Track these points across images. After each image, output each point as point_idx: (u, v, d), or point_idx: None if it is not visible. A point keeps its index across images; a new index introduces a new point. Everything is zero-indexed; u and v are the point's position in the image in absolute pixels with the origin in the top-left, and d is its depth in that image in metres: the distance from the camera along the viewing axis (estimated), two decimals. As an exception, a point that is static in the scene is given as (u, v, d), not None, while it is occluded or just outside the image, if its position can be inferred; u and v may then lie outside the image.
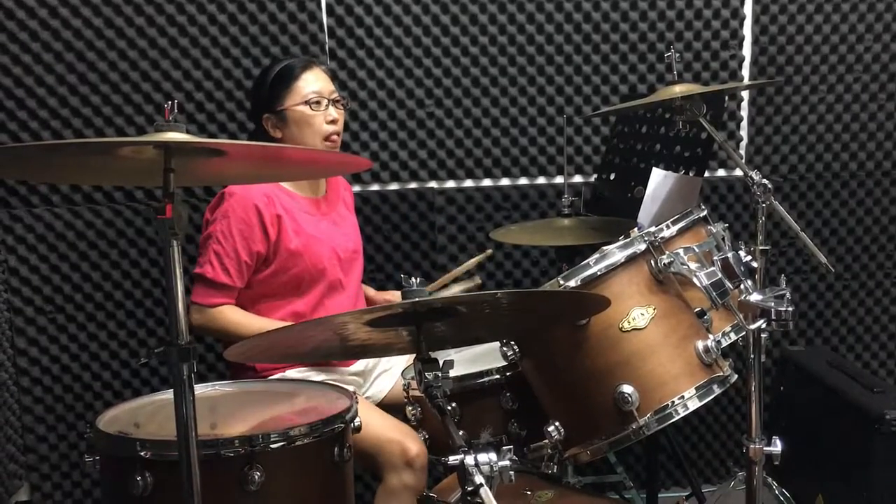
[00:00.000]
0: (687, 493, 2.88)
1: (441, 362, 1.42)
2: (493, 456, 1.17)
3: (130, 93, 2.75)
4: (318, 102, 2.26)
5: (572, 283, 1.70)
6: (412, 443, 2.04)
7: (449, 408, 2.02)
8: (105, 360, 2.85)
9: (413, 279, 1.45)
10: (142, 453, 1.56)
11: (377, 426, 2.07)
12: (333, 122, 2.28)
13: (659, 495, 2.87)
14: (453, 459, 1.17)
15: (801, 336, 3.20)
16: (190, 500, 1.35)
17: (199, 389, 1.99)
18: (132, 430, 1.72)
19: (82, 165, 1.41)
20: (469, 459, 1.16)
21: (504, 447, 1.20)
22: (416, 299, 1.40)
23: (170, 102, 1.32)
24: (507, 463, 1.17)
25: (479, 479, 1.14)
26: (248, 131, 2.75)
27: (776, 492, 2.29)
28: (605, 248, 1.74)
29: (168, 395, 1.96)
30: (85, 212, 2.79)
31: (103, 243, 2.80)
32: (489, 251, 2.73)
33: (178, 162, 1.34)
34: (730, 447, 3.23)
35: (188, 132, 1.32)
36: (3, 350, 2.74)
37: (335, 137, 2.30)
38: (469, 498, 1.14)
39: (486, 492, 1.11)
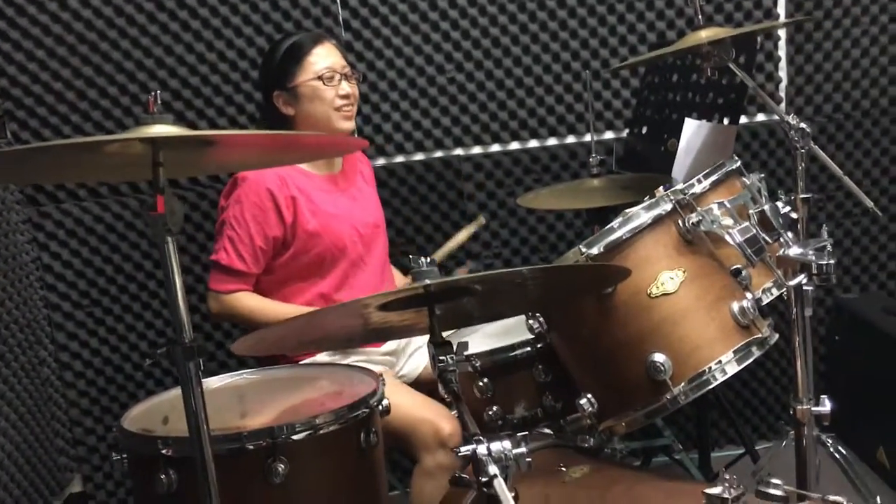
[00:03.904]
0: (740, 452, 2.79)
1: (455, 345, 1.36)
2: (506, 444, 1.10)
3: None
4: (330, 77, 2.20)
5: (595, 251, 1.61)
6: (445, 422, 2.00)
7: (481, 383, 1.99)
8: (144, 349, 2.86)
9: (422, 259, 1.38)
10: (164, 451, 1.55)
11: (408, 406, 2.02)
12: (346, 96, 2.22)
13: (712, 454, 2.79)
14: (465, 450, 1.11)
15: (855, 283, 3.06)
16: (207, 499, 1.32)
17: (227, 379, 1.98)
18: (159, 426, 1.70)
19: (76, 165, 1.38)
20: (481, 449, 1.10)
21: (520, 434, 1.13)
22: (426, 282, 1.33)
23: (153, 94, 1.26)
24: (522, 450, 1.11)
25: (492, 469, 1.08)
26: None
27: (831, 449, 2.19)
28: (628, 210, 1.65)
29: (203, 386, 1.95)
30: (112, 204, 2.78)
31: (133, 234, 2.79)
32: (481, 219, 2.66)
33: (168, 154, 1.29)
34: (785, 401, 3.12)
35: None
36: (44, 346, 2.77)
37: (347, 109, 2.24)
38: (484, 489, 1.08)
39: (500, 483, 1.05)
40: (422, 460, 2.02)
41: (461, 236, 2.64)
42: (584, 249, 1.62)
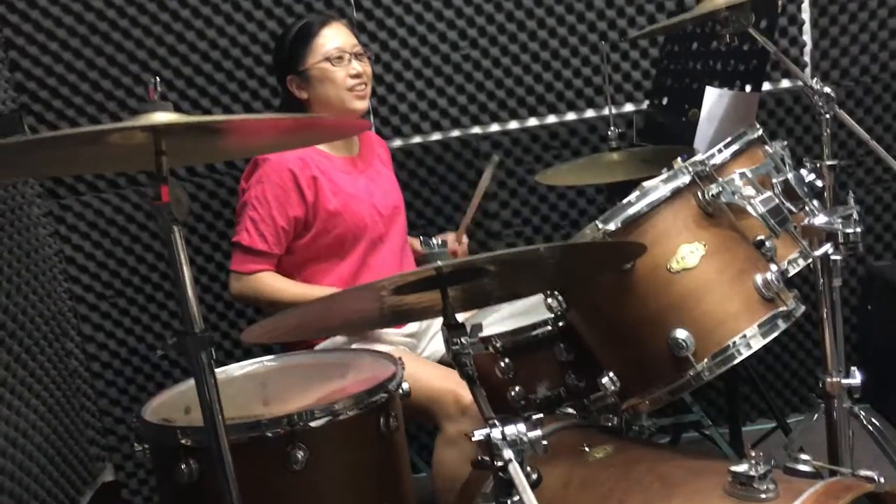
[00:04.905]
0: (772, 426, 2.74)
1: (469, 327, 1.33)
2: (521, 427, 1.08)
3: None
4: (339, 58, 2.19)
5: (612, 226, 1.57)
6: (465, 390, 1.97)
7: (503, 364, 1.96)
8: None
9: (433, 240, 1.36)
10: (183, 441, 1.54)
11: (429, 377, 2.02)
12: (357, 75, 2.20)
13: (743, 429, 2.75)
14: (479, 434, 1.09)
15: (886, 250, 2.98)
16: (226, 488, 1.32)
17: (247, 367, 1.98)
18: (180, 415, 1.70)
19: (81, 155, 1.36)
20: (496, 433, 1.07)
21: (533, 415, 1.11)
22: (438, 263, 1.31)
23: (153, 81, 1.24)
24: (538, 433, 1.08)
25: (507, 453, 1.05)
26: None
27: (864, 421, 2.14)
28: (645, 183, 1.61)
29: (222, 374, 1.95)
30: (131, 194, 2.79)
31: (153, 224, 2.80)
32: (495, 158, 2.52)
33: (174, 142, 1.27)
34: (818, 374, 3.05)
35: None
36: (70, 338, 2.79)
37: (360, 89, 2.22)
38: (500, 474, 1.06)
39: (514, 468, 1.03)
40: (444, 429, 2.02)
41: (482, 186, 2.51)
42: (601, 225, 1.58)
